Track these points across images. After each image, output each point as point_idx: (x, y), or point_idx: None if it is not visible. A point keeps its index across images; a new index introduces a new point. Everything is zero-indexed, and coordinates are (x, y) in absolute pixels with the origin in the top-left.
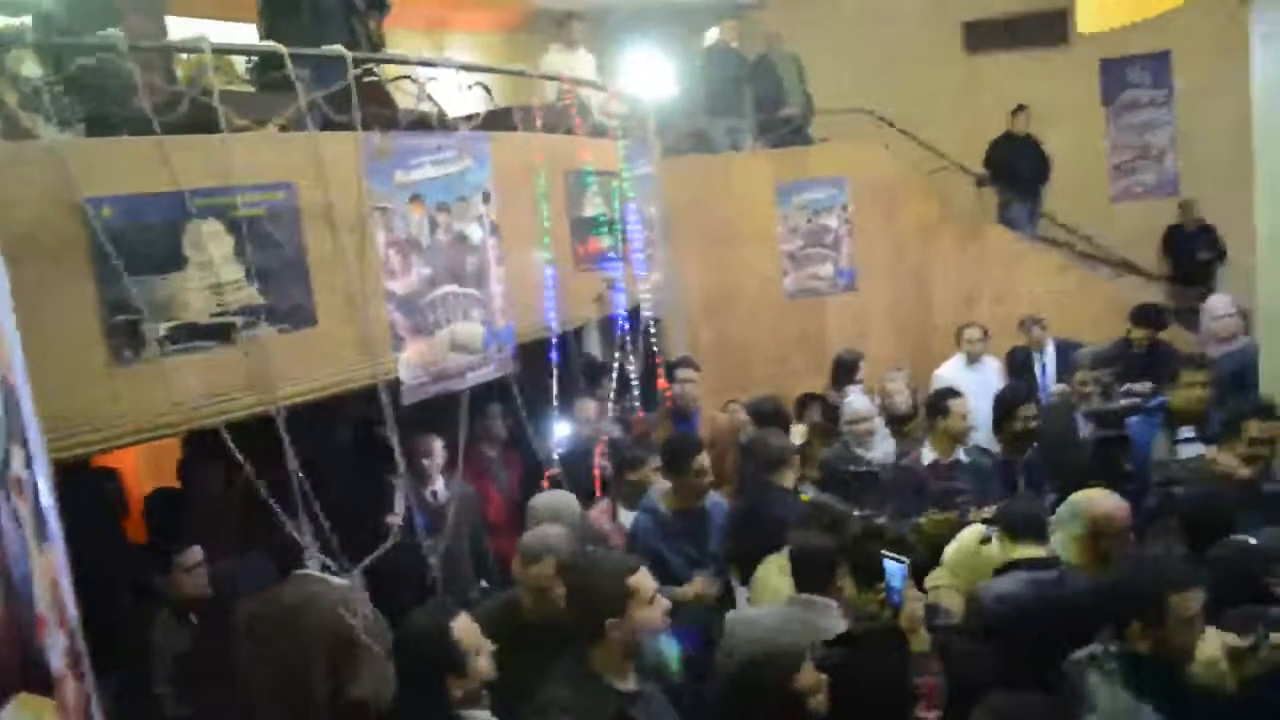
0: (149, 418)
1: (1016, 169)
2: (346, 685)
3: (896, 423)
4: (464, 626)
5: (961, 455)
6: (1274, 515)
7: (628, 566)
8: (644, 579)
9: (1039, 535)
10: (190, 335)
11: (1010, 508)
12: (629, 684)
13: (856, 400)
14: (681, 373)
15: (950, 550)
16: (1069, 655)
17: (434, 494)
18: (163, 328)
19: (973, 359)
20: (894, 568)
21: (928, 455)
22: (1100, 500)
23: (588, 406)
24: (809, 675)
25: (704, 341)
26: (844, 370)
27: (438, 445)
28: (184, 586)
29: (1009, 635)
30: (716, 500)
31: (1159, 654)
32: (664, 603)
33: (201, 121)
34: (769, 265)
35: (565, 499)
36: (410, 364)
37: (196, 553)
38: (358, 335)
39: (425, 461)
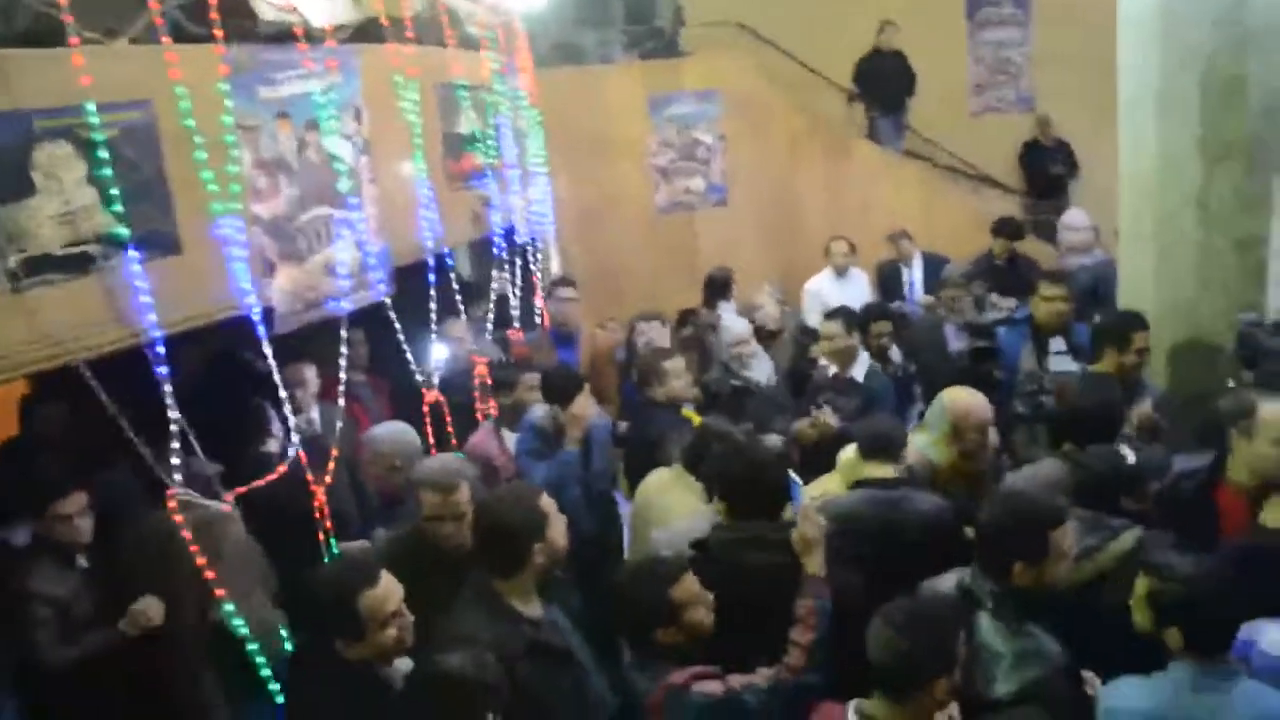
0: (5, 356)
1: (883, 84)
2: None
3: (766, 338)
4: (377, 594)
5: (856, 372)
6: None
7: (534, 491)
8: (550, 503)
9: (890, 455)
10: (44, 267)
11: (864, 426)
12: (536, 610)
13: (734, 324)
14: (562, 291)
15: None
16: (913, 579)
17: (309, 422)
18: (13, 260)
19: (840, 272)
20: (795, 489)
21: (830, 369)
22: (961, 397)
23: (457, 326)
24: (687, 587)
25: (576, 258)
26: (715, 288)
27: (310, 373)
28: (64, 533)
29: (847, 555)
30: (600, 422)
31: (1039, 586)
32: (563, 520)
33: (45, 34)
34: (640, 180)
35: (404, 429)
36: (283, 291)
37: (79, 499)
38: (225, 262)
39: (298, 391)
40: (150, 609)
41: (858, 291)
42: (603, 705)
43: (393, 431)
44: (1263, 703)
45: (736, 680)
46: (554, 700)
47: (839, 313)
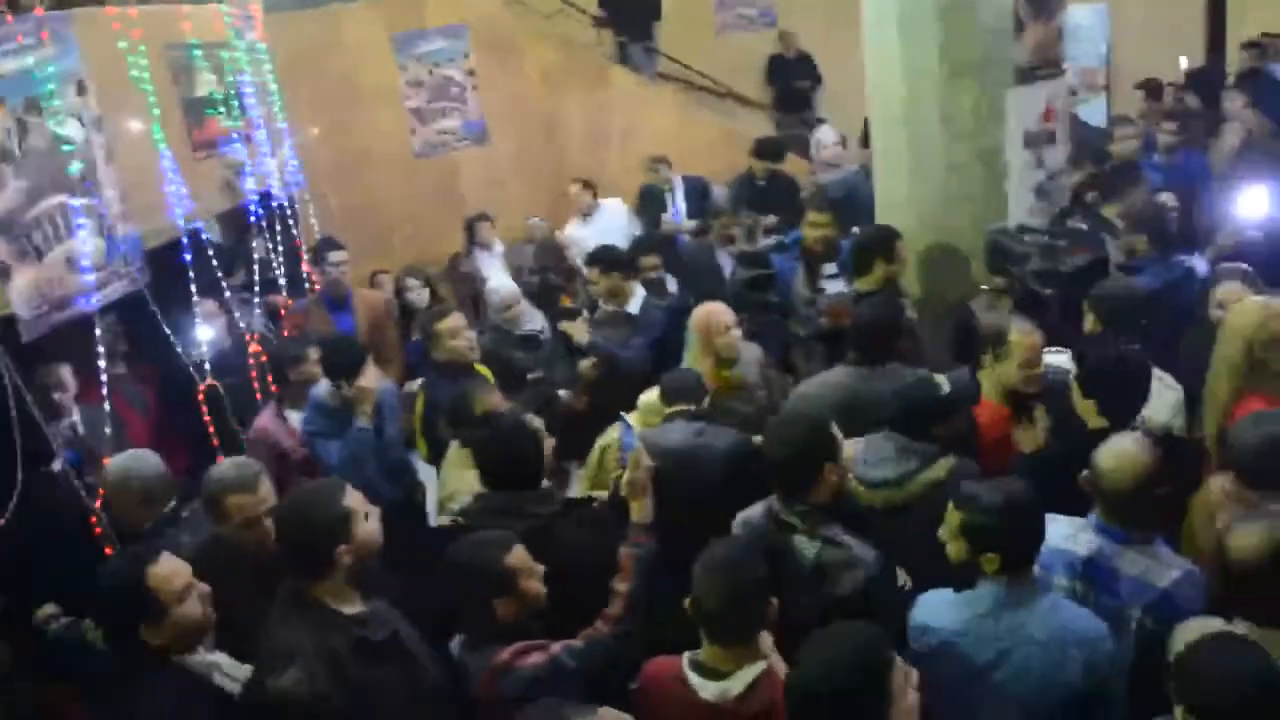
0: None
1: (629, 8)
2: None
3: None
4: (161, 572)
5: (632, 306)
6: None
7: (337, 488)
8: (356, 497)
9: (691, 398)
10: None
11: (666, 379)
12: (356, 606)
13: (502, 285)
14: (333, 255)
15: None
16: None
17: (72, 427)
18: None
19: (587, 214)
20: (629, 434)
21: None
22: (698, 311)
23: (207, 305)
24: (519, 555)
25: (335, 212)
26: (468, 235)
27: (66, 373)
28: None
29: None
30: (386, 387)
31: (839, 497)
32: (375, 512)
33: None
34: (395, 124)
35: (135, 455)
36: (24, 294)
37: None
38: None
39: (57, 395)
40: None
41: (612, 224)
42: (439, 689)
43: (126, 462)
44: (1059, 616)
45: (556, 646)
46: (388, 695)
47: (593, 257)
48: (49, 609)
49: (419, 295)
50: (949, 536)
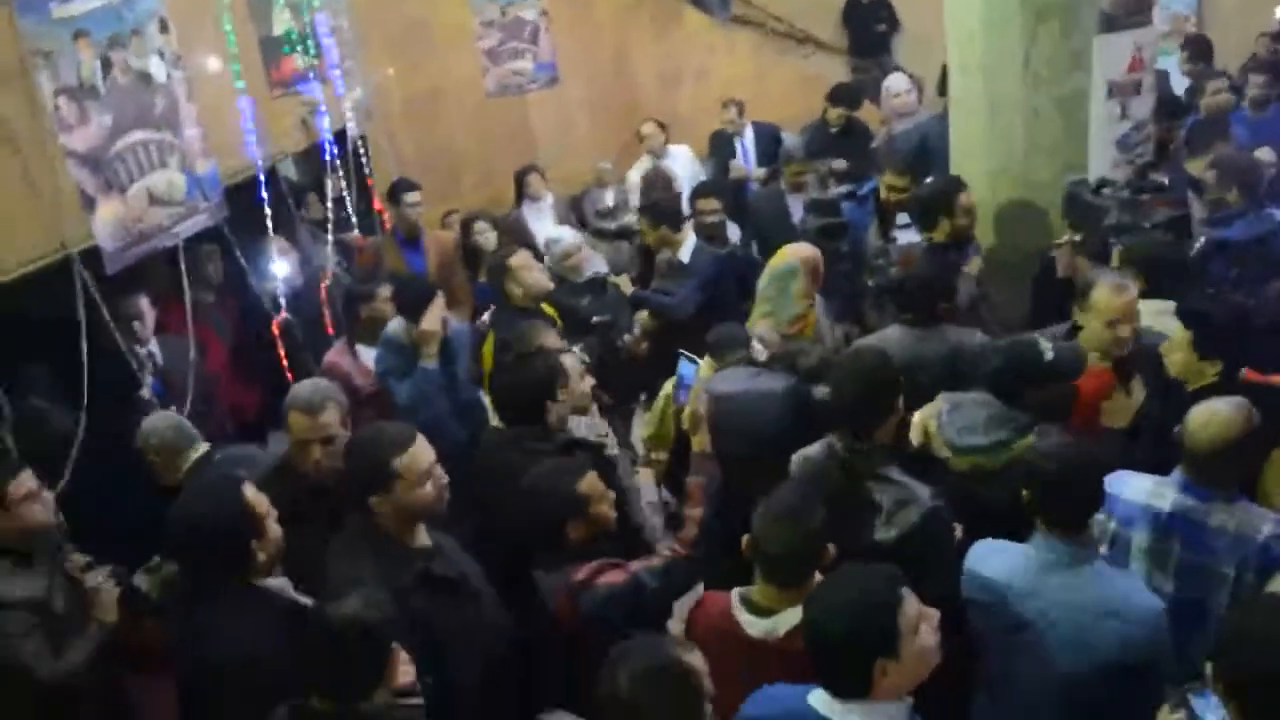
0: None
1: None
2: None
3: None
4: (253, 494)
5: (684, 255)
6: None
7: (400, 444)
8: (415, 459)
9: (734, 350)
10: None
11: (712, 334)
12: (423, 539)
13: (562, 236)
14: (409, 196)
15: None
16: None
17: (150, 355)
18: None
19: (657, 155)
20: (687, 367)
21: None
22: (802, 249)
23: (282, 243)
24: (592, 482)
25: (407, 153)
26: (520, 186)
27: (145, 304)
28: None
29: (729, 433)
30: (457, 328)
31: (901, 439)
32: (441, 477)
33: None
34: (467, 65)
35: (163, 417)
36: (108, 227)
37: (27, 479)
38: (37, 205)
39: (136, 325)
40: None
41: (680, 169)
42: (499, 628)
43: (143, 426)
44: (1102, 585)
45: (635, 565)
46: (449, 630)
47: (642, 209)
48: (79, 558)
49: (486, 239)
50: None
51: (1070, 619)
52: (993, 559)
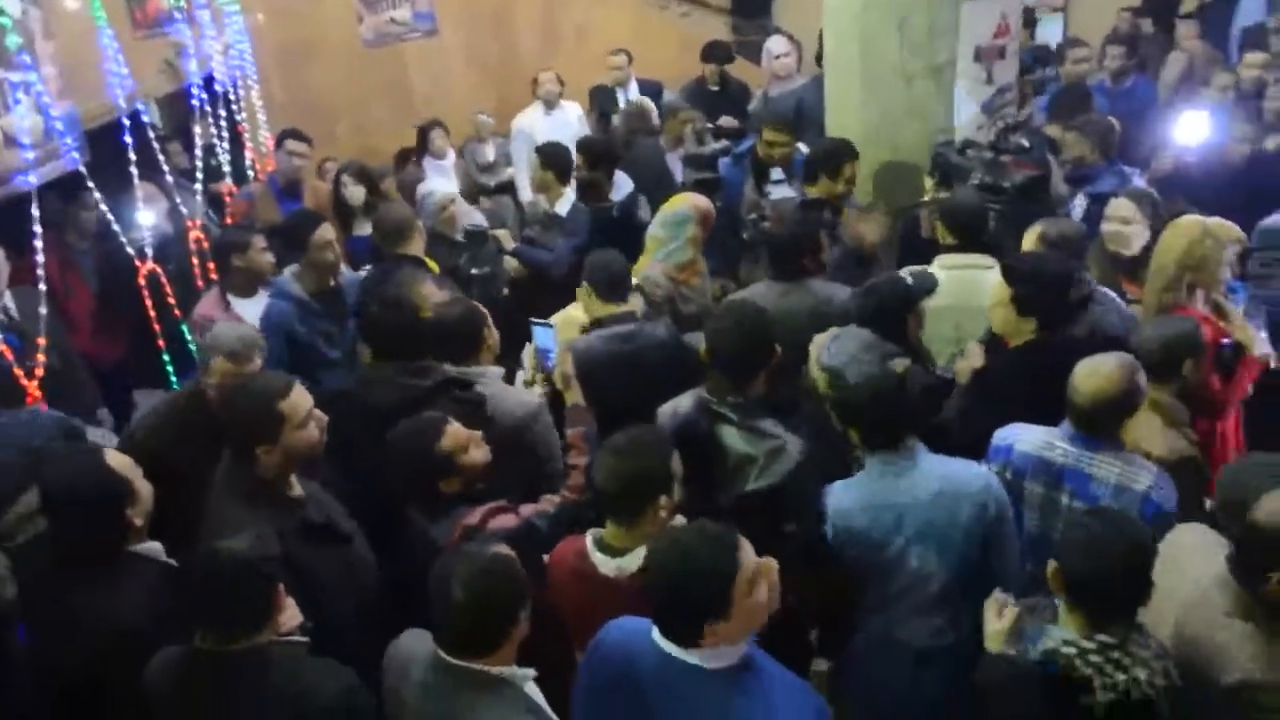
0: None
1: None
2: None
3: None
4: (117, 460)
5: (560, 208)
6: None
7: (280, 390)
8: (297, 402)
9: (619, 294)
10: None
11: (593, 269)
12: (296, 489)
13: (437, 188)
14: (293, 145)
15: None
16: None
17: (4, 311)
18: None
19: (550, 105)
20: (541, 332)
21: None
22: (696, 199)
23: (148, 189)
24: (453, 435)
25: (280, 100)
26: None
27: None
28: None
29: (592, 388)
30: (351, 277)
31: (773, 394)
32: (321, 419)
33: None
34: (343, 12)
35: None
36: None
37: None
38: None
39: None
40: None
41: (568, 123)
42: (369, 570)
43: None
44: (943, 468)
45: (527, 509)
46: (325, 576)
47: (541, 150)
48: None
49: (353, 192)
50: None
51: (925, 510)
52: (845, 492)
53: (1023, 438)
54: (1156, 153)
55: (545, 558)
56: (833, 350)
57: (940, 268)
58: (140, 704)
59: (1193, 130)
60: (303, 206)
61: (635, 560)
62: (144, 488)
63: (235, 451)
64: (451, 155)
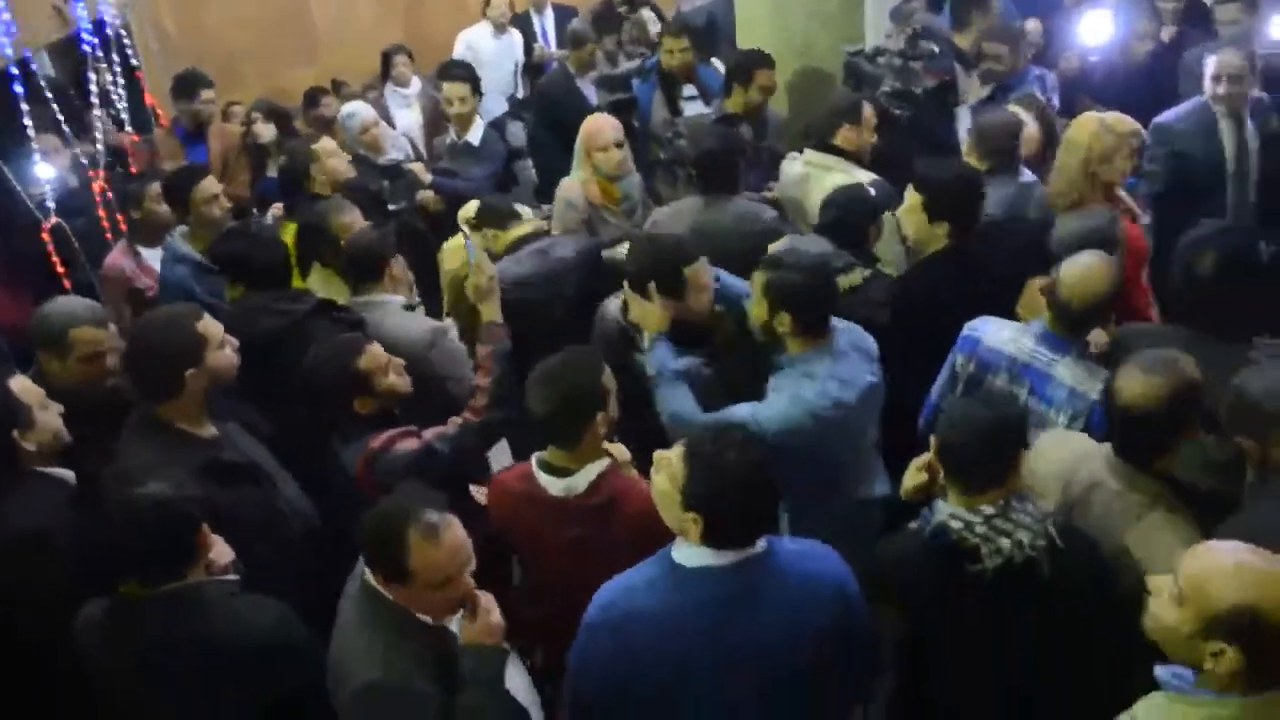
0: None
1: None
2: None
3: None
4: (23, 385)
5: (472, 137)
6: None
7: (192, 314)
8: (211, 324)
9: (516, 216)
10: None
11: (483, 206)
12: (209, 430)
13: (357, 110)
14: (203, 93)
15: None
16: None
17: None
18: None
19: (499, 29)
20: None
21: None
22: (587, 122)
23: (48, 141)
24: (372, 355)
25: (175, 40)
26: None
27: None
28: None
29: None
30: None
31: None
32: (233, 341)
33: None
34: None
35: None
36: None
37: None
38: None
39: None
40: None
41: (513, 50)
42: (297, 513)
43: None
44: (848, 336)
45: (429, 433)
46: (244, 518)
47: (455, 74)
48: None
49: (262, 129)
50: (755, 299)
51: (837, 399)
52: (775, 384)
53: (991, 332)
54: (1063, 53)
55: (481, 492)
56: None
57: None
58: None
59: (1096, 29)
60: (189, 163)
61: (584, 480)
62: (48, 420)
63: (147, 391)
64: (417, 84)
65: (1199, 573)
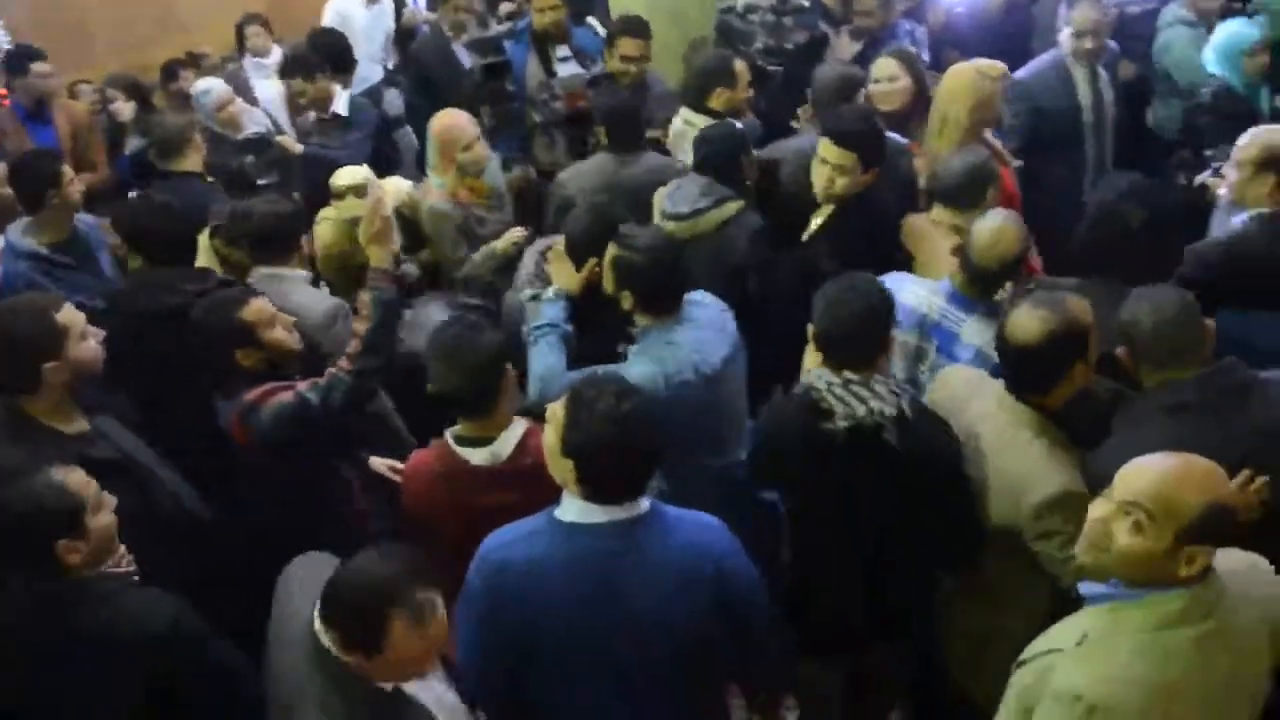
0: None
1: None
2: None
3: None
4: None
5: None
6: None
7: (50, 304)
8: (73, 314)
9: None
10: None
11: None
12: (79, 425)
13: (212, 87)
14: (39, 68)
15: None
16: None
17: None
18: None
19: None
20: None
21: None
22: (442, 118)
23: None
24: (257, 308)
25: (20, 15)
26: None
27: None
28: None
29: None
30: (89, 222)
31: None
32: (97, 333)
33: None
34: None
35: None
36: None
37: None
38: None
39: None
40: None
41: (384, 18)
42: (179, 506)
43: None
44: (705, 313)
45: (302, 384)
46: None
47: (293, 68)
48: None
49: (121, 107)
50: (605, 271)
51: (697, 365)
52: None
53: (905, 290)
54: (929, 5)
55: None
56: (674, 198)
57: None
58: None
59: None
60: (51, 144)
61: (507, 444)
62: None
63: (8, 385)
64: (277, 52)
65: (1158, 490)
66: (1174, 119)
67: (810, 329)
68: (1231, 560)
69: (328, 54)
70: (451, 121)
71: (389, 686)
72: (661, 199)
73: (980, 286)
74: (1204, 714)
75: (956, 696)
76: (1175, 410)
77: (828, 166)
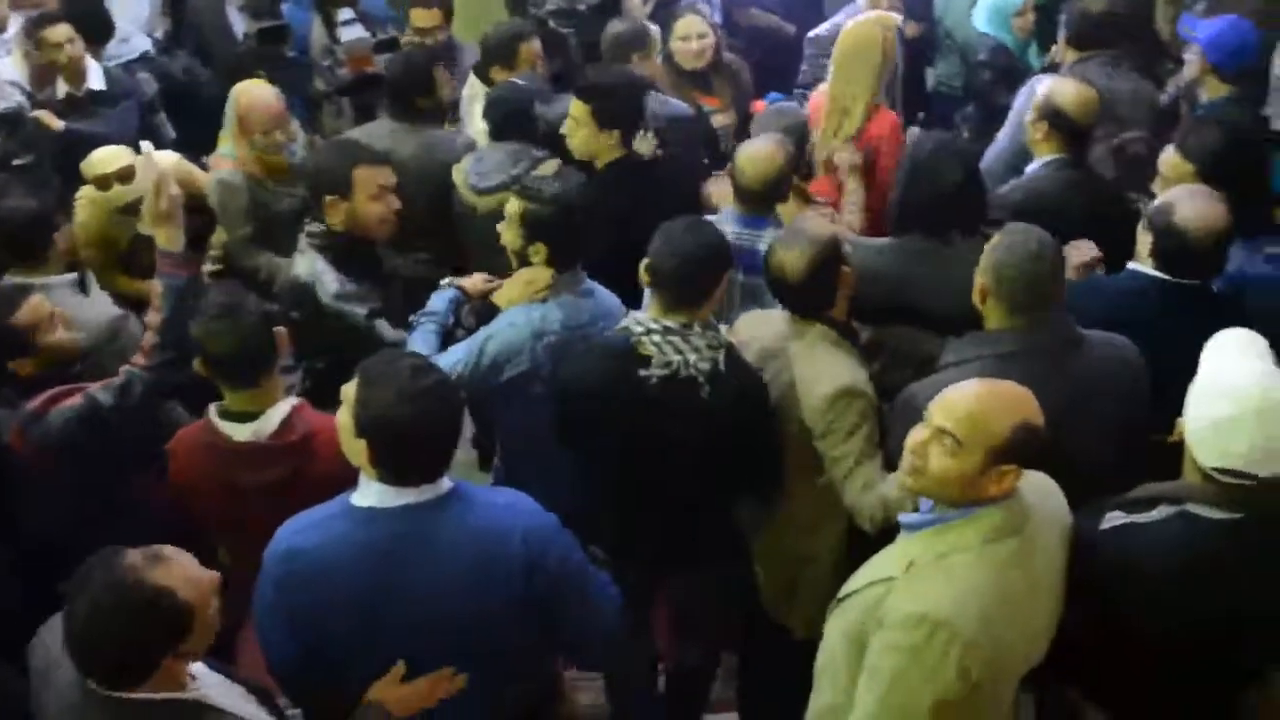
0: None
1: None
2: None
3: None
4: None
5: (93, 84)
6: None
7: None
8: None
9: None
10: None
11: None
12: None
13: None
14: None
15: None
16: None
17: None
18: None
19: None
20: None
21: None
22: (245, 89)
23: None
24: (34, 309)
25: None
26: None
27: None
28: None
29: None
30: None
31: (349, 229)
32: None
33: None
34: None
35: None
36: None
37: None
38: None
39: None
40: None
41: None
42: None
43: None
44: (606, 303)
45: (93, 386)
46: None
47: (50, 16)
48: None
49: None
50: (507, 224)
51: (564, 320)
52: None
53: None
54: None
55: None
56: (480, 170)
57: None
58: None
59: None
60: None
61: (273, 420)
62: None
63: None
64: (16, 23)
65: (969, 415)
66: (954, 75)
67: (643, 263)
68: (1030, 481)
69: (82, 21)
70: (256, 99)
71: (189, 696)
72: (464, 174)
73: (753, 204)
74: (1030, 620)
75: (773, 628)
76: (1005, 358)
77: (571, 118)
